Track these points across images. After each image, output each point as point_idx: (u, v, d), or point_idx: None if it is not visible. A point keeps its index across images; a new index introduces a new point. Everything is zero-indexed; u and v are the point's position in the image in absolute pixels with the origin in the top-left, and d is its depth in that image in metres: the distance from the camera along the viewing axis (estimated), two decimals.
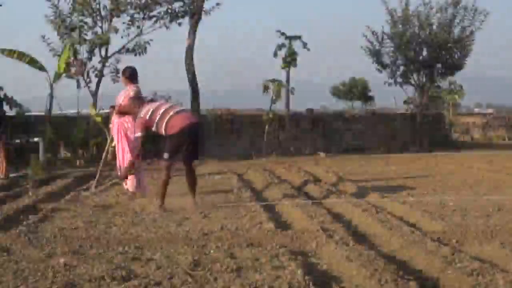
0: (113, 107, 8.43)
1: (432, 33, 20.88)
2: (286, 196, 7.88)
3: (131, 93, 7.83)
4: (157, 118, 6.99)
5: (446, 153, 18.09)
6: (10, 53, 15.79)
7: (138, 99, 7.55)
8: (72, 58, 15.85)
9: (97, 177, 9.12)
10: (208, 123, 18.78)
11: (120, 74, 8.18)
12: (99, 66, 16.57)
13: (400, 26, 20.98)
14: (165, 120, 6.95)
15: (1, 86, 15.54)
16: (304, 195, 8.20)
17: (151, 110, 7.06)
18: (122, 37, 16.70)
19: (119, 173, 8.08)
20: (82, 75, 16.15)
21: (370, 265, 4.08)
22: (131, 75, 8.02)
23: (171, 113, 7.00)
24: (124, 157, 7.93)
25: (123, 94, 7.99)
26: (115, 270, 4.17)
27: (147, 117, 7.02)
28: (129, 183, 7.98)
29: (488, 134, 29.65)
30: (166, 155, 6.98)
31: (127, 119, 7.91)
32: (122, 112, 7.84)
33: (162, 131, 7.00)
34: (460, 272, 3.99)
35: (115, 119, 8.15)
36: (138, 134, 7.12)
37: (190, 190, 7.24)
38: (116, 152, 8.17)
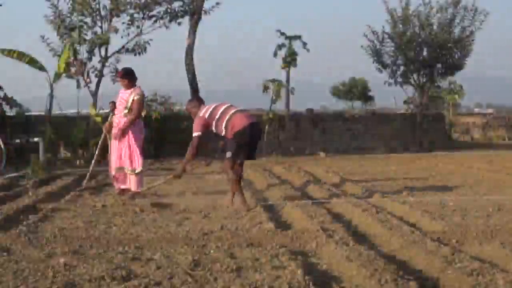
0: (113, 103, 8.44)
1: (432, 33, 20.87)
2: (287, 196, 7.87)
3: (136, 97, 7.83)
4: (216, 118, 6.97)
5: (446, 153, 18.09)
6: (10, 53, 15.78)
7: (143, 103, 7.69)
8: (72, 58, 15.85)
9: (89, 173, 9.10)
10: None
11: (120, 79, 8.09)
12: (99, 66, 16.57)
13: (401, 26, 20.97)
14: (225, 120, 6.93)
15: (1, 86, 15.57)
16: (304, 195, 8.20)
17: (210, 109, 7.05)
18: (122, 37, 16.72)
19: (113, 173, 8.07)
20: (82, 75, 16.15)
21: (370, 265, 4.08)
22: (128, 75, 7.99)
23: (231, 112, 6.98)
24: (122, 156, 7.91)
25: (128, 97, 7.93)
26: (115, 270, 4.17)
27: (206, 117, 7.01)
28: (133, 183, 7.96)
29: (488, 134, 29.66)
30: (228, 154, 6.94)
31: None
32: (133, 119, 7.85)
33: (222, 131, 6.98)
34: (460, 272, 3.99)
35: (118, 119, 8.06)
36: (197, 133, 7.04)
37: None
38: (111, 152, 8.12)
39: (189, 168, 7.27)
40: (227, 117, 6.94)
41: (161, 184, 8.30)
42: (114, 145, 8.07)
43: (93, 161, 9.23)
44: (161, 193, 8.40)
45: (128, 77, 8.01)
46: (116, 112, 8.23)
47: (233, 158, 6.94)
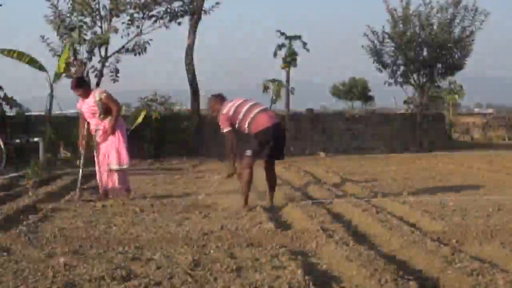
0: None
1: (432, 33, 20.86)
2: (287, 196, 7.87)
3: (103, 95, 7.77)
4: (240, 116, 6.96)
5: (446, 153, 18.09)
6: (10, 53, 15.76)
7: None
8: (72, 58, 15.85)
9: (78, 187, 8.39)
10: (208, 123, 18.77)
11: (74, 90, 7.94)
12: (99, 66, 16.57)
13: (401, 25, 20.98)
14: (249, 119, 6.92)
15: (1, 86, 15.57)
16: (304, 195, 8.19)
17: (234, 107, 7.03)
18: (122, 37, 16.70)
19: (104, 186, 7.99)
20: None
21: (370, 265, 4.08)
22: (81, 83, 7.95)
23: (255, 111, 6.96)
24: (107, 156, 7.85)
25: (94, 102, 7.78)
26: (115, 270, 4.17)
27: (230, 114, 7.00)
28: (119, 180, 7.87)
29: (488, 134, 29.67)
30: (249, 152, 6.92)
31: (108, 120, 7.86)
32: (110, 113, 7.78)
33: (245, 129, 6.98)
34: (460, 272, 3.99)
35: (97, 126, 7.89)
36: (226, 129, 7.03)
37: (270, 188, 7.25)
38: (98, 165, 7.93)
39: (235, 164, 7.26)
40: (251, 115, 6.93)
41: (216, 186, 8.43)
42: (100, 154, 7.90)
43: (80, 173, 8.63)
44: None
45: (82, 85, 7.94)
46: (91, 123, 7.94)
47: (253, 156, 6.92)
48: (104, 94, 7.82)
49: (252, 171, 6.96)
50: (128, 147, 7.89)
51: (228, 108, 7.04)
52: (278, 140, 7.05)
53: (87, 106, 7.86)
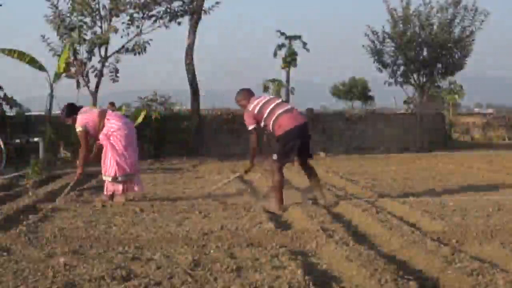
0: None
1: (432, 33, 20.86)
2: (287, 196, 7.86)
3: (79, 129, 7.66)
4: (265, 115, 6.93)
5: (446, 153, 18.09)
6: (10, 52, 15.77)
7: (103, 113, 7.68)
8: (72, 58, 15.85)
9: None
10: (208, 123, 18.79)
11: (64, 120, 7.93)
12: (98, 66, 16.58)
13: (401, 25, 20.98)
14: (273, 119, 6.88)
15: (1, 86, 15.58)
16: (305, 195, 8.18)
17: (260, 105, 6.99)
18: (121, 37, 16.72)
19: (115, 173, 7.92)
20: (82, 75, 16.16)
21: (370, 265, 4.08)
22: (70, 112, 7.82)
23: (279, 111, 6.90)
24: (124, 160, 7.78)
25: (90, 120, 7.69)
26: (115, 270, 4.17)
27: (256, 112, 6.96)
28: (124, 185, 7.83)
29: (488, 134, 29.67)
30: (274, 156, 6.91)
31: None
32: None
33: (270, 129, 6.96)
34: (460, 272, 3.99)
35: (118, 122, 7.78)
36: (251, 126, 7.00)
37: (315, 186, 7.22)
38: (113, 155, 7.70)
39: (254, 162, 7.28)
40: (273, 117, 6.89)
41: (230, 182, 8.54)
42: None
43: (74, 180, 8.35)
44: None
45: (70, 115, 7.81)
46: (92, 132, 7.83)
47: (279, 160, 6.90)
48: (78, 129, 7.68)
49: (282, 175, 6.97)
50: (119, 158, 7.61)
51: (253, 106, 7.01)
52: (304, 140, 7.01)
53: (91, 124, 7.79)
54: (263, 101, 7.04)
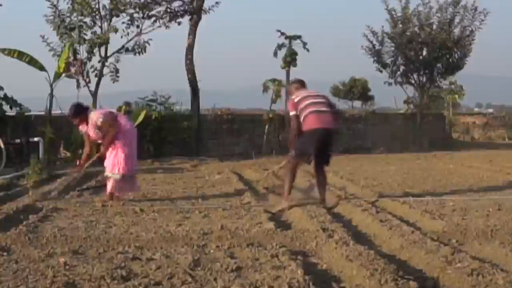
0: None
1: (432, 33, 20.86)
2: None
3: (100, 120, 7.62)
4: (300, 108, 7.04)
5: (446, 153, 18.08)
6: (10, 52, 15.75)
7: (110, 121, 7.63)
8: (72, 58, 15.84)
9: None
10: (208, 123, 18.77)
11: (72, 119, 7.91)
12: (98, 66, 16.57)
13: (400, 25, 20.98)
14: (304, 113, 6.99)
15: (1, 86, 15.56)
16: (305, 195, 8.18)
17: (300, 97, 7.13)
18: (121, 37, 16.70)
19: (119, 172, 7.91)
20: (82, 75, 16.15)
21: (370, 265, 4.08)
22: (77, 113, 7.80)
23: (312, 109, 7.00)
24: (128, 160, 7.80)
25: (91, 128, 7.71)
26: (115, 270, 4.17)
27: (295, 101, 7.11)
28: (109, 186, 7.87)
29: (488, 134, 29.66)
30: (292, 152, 7.06)
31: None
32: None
33: (302, 121, 7.04)
34: (460, 272, 3.99)
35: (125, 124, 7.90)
36: (292, 113, 7.11)
37: (320, 190, 7.26)
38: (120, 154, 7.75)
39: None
40: (304, 113, 7.00)
41: (281, 168, 8.66)
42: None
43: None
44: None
45: (80, 113, 7.80)
46: (94, 137, 7.89)
47: (296, 158, 7.03)
48: (101, 120, 7.66)
49: (295, 174, 7.09)
50: (127, 158, 7.69)
51: (296, 96, 7.19)
52: (324, 145, 7.07)
53: (88, 129, 7.81)
54: (304, 95, 7.18)
